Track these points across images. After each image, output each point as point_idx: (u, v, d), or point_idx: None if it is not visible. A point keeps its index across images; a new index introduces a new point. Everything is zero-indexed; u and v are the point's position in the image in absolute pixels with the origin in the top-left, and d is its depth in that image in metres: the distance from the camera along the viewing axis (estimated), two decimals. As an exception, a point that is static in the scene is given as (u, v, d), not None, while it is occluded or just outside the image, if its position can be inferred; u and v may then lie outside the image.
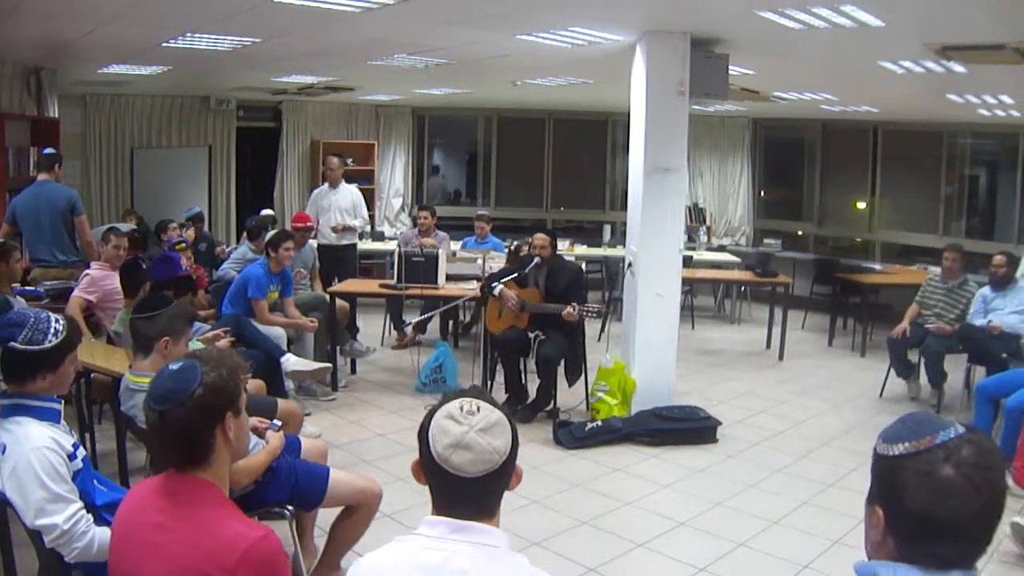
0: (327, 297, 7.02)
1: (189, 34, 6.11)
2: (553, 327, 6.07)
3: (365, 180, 11.49)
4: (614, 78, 7.74)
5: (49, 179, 6.62)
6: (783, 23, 4.97)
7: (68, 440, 2.54)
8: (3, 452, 2.48)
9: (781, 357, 8.51)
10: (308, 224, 7.80)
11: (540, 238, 6.28)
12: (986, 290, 6.66)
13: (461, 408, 1.64)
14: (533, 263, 6.18)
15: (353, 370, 7.43)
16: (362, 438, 5.79)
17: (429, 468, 1.64)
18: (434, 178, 13.36)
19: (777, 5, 4.64)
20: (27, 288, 5.94)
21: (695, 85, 6.01)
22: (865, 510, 1.36)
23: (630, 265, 6.36)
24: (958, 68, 5.85)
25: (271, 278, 6.40)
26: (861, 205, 11.38)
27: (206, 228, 9.49)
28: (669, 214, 6.16)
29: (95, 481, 2.65)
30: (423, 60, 7.35)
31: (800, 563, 4.08)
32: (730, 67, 6.23)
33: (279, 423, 3.54)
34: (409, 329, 8.27)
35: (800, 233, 11.99)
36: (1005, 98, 7.30)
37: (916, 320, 7.09)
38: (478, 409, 1.64)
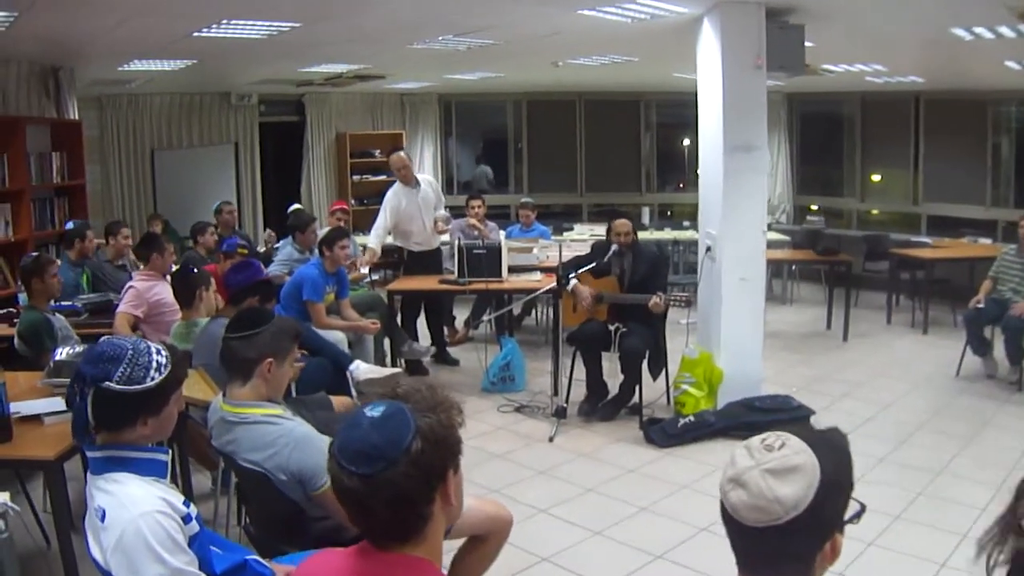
0: (383, 295, 6.66)
1: (225, 21, 5.70)
2: (634, 318, 5.72)
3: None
4: (664, 54, 7.39)
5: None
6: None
7: (179, 499, 2.04)
8: (103, 519, 1.95)
9: (845, 338, 8.20)
10: (345, 207, 8.26)
11: (622, 224, 5.85)
12: None
13: (763, 440, 1.39)
14: (612, 251, 5.78)
15: (411, 372, 7.03)
16: (440, 447, 5.43)
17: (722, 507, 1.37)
18: (480, 167, 12.97)
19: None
20: (63, 304, 5.45)
21: (770, 58, 5.62)
22: None
23: (708, 249, 6.01)
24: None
25: (326, 278, 6.03)
26: (876, 177, 11.25)
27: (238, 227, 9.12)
28: (752, 193, 5.82)
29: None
30: (466, 42, 6.96)
31: (936, 561, 3.81)
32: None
33: None
34: (460, 325, 7.93)
35: (815, 208, 11.66)
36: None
37: (991, 295, 6.79)
38: (781, 446, 1.36)
